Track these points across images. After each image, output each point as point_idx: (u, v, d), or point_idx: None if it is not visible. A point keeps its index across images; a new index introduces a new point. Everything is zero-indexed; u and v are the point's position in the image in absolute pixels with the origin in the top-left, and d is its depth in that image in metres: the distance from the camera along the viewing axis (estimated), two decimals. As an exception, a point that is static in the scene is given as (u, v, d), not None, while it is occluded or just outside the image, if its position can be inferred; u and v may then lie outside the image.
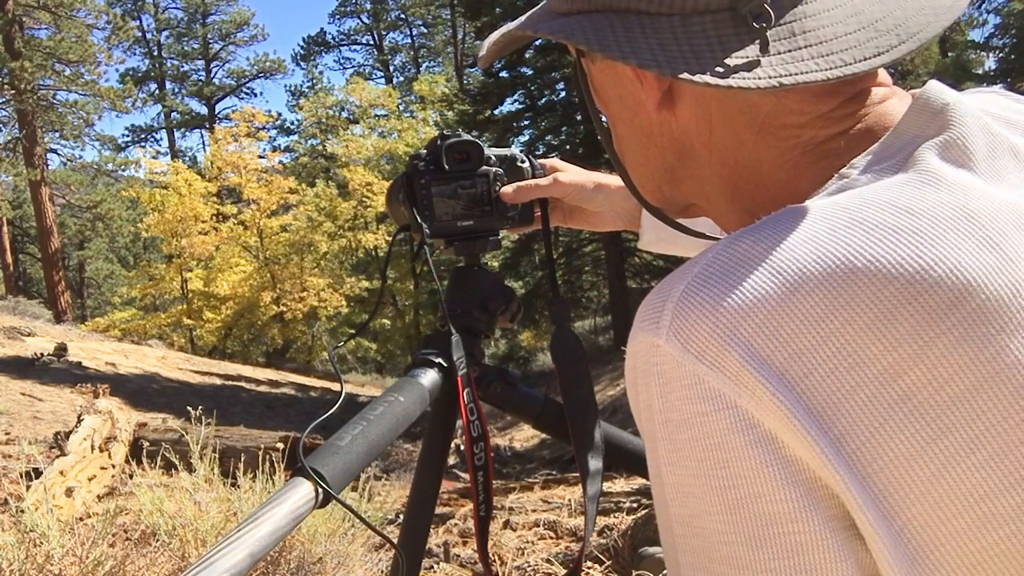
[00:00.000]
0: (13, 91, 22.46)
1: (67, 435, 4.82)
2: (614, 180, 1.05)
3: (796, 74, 0.51)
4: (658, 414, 0.50)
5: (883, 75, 0.59)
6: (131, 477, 3.86)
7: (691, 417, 0.48)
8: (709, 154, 0.60)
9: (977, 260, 0.47)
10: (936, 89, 0.55)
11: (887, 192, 0.50)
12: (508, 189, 1.04)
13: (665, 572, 0.56)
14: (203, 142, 44.46)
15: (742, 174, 0.59)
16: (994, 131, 0.55)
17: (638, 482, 4.63)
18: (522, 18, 0.65)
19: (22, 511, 2.60)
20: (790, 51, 0.52)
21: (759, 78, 0.51)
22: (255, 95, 58.92)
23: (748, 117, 0.57)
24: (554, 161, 1.10)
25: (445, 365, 0.99)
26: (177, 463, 3.04)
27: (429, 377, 0.98)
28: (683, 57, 0.53)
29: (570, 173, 1.07)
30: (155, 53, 37.47)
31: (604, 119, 0.68)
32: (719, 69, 0.52)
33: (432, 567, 3.10)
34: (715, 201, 0.63)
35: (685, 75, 0.52)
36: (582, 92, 0.68)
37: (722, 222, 0.65)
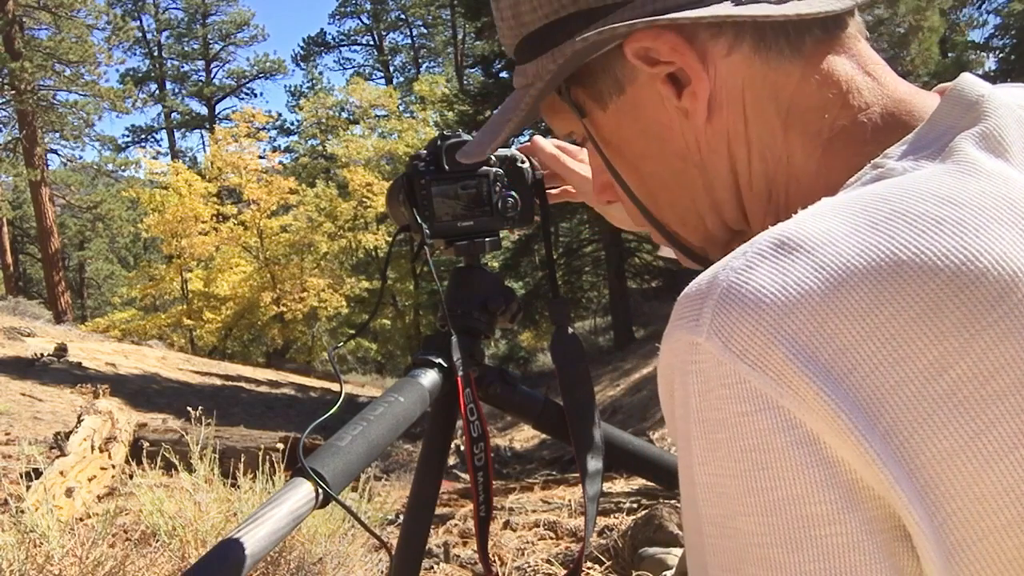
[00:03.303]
0: (13, 91, 22.48)
1: (67, 435, 4.83)
2: None
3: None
4: (694, 412, 0.49)
5: (895, 79, 0.59)
6: (131, 477, 3.86)
7: (730, 417, 0.47)
8: (748, 151, 0.60)
9: (1022, 250, 0.46)
10: (970, 81, 0.56)
11: (927, 182, 0.49)
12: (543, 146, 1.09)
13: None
14: (203, 142, 44.62)
15: (779, 168, 0.60)
16: None
17: (638, 482, 4.63)
18: (507, 103, 0.66)
19: (22, 511, 2.59)
20: None
21: (780, 2, 0.55)
22: (255, 95, 58.95)
23: (775, 104, 0.58)
24: (556, 145, 1.11)
25: (445, 365, 0.99)
26: (177, 463, 3.04)
27: (429, 377, 0.98)
28: (691, 5, 0.55)
29: (583, 167, 1.08)
30: (155, 53, 37.51)
31: (625, 180, 0.67)
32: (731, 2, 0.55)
33: (432, 567, 3.10)
34: (750, 205, 0.63)
35: (718, 9, 0.54)
36: (602, 157, 0.66)
37: (754, 222, 0.64)
